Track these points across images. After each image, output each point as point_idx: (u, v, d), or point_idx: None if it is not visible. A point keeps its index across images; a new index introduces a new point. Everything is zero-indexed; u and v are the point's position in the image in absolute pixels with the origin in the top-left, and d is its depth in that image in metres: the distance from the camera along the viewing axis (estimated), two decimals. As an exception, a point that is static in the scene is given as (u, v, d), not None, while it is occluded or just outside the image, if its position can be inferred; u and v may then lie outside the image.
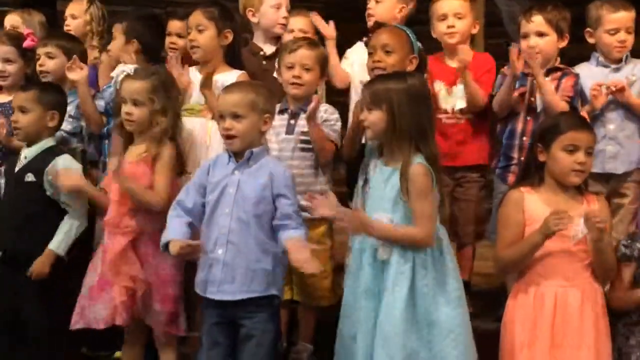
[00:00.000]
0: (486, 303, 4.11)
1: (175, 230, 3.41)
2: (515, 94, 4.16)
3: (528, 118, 4.14)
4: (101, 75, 4.53)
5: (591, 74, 4.19)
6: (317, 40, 4.12)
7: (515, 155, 4.15)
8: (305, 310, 4.00)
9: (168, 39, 4.64)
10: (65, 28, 4.88)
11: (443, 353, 3.23)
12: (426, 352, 3.23)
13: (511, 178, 4.11)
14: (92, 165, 4.38)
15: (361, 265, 3.35)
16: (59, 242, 3.86)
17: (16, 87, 4.32)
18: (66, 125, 4.23)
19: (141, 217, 3.65)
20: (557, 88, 4.09)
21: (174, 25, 4.68)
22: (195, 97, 4.06)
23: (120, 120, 3.77)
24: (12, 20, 4.88)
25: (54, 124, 4.00)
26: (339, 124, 3.92)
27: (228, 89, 3.55)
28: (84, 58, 4.38)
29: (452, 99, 4.22)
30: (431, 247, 3.28)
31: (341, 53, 4.49)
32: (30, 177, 3.91)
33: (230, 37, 4.11)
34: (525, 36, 4.16)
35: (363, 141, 3.88)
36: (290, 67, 3.88)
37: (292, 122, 3.90)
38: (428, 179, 3.27)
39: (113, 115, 4.13)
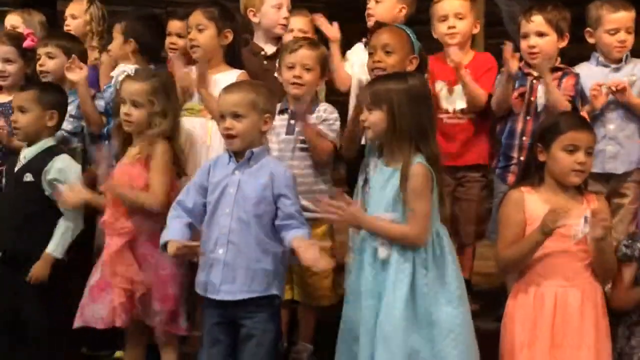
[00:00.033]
0: (486, 303, 4.10)
1: (174, 231, 3.41)
2: (515, 94, 4.16)
3: (528, 118, 4.14)
4: (102, 75, 4.53)
5: (591, 74, 4.19)
6: (317, 40, 4.11)
7: (515, 155, 4.15)
8: (306, 310, 4.00)
9: (168, 39, 4.65)
10: (65, 28, 4.88)
11: (443, 352, 3.23)
12: (427, 351, 3.23)
13: (511, 178, 4.11)
14: (92, 164, 4.39)
15: (362, 266, 3.35)
16: (56, 245, 3.85)
17: (16, 87, 4.31)
18: (67, 125, 4.23)
19: (138, 217, 3.64)
20: (557, 88, 4.08)
21: (174, 25, 4.68)
22: (196, 96, 4.06)
23: (118, 120, 3.78)
24: (12, 20, 4.88)
25: (53, 124, 4.00)
26: (338, 123, 3.92)
27: (228, 88, 3.54)
28: (84, 58, 4.38)
29: (453, 99, 4.22)
30: (424, 247, 3.28)
31: (342, 53, 4.48)
32: (29, 177, 3.91)
33: (230, 37, 4.11)
34: (525, 36, 4.16)
35: (363, 141, 3.88)
36: (291, 67, 3.88)
37: (292, 122, 3.90)
38: (427, 179, 3.27)
39: (113, 115, 4.12)
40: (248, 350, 3.40)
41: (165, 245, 3.40)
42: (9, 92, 4.44)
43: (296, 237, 3.32)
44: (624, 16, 4.18)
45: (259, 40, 4.48)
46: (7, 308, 3.90)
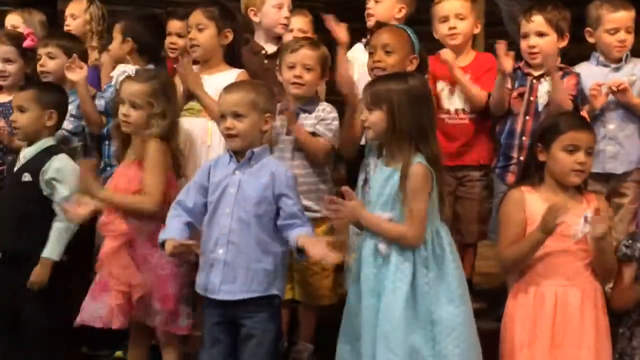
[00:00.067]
0: (486, 302, 4.10)
1: (172, 230, 3.41)
2: (515, 93, 4.16)
3: (527, 118, 4.14)
4: (103, 75, 4.53)
5: (591, 74, 4.19)
6: (318, 40, 4.11)
7: (515, 155, 4.15)
8: (306, 309, 4.00)
9: (168, 39, 4.65)
10: (66, 28, 4.87)
11: (445, 351, 3.23)
12: (429, 349, 3.23)
13: (510, 178, 4.11)
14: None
15: (362, 265, 3.35)
16: (52, 248, 3.84)
17: (16, 87, 4.32)
18: (67, 125, 4.23)
19: (134, 219, 3.63)
20: (557, 88, 4.10)
21: (174, 25, 4.69)
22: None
23: (117, 121, 3.78)
24: (13, 19, 4.87)
25: (52, 123, 3.99)
26: (336, 122, 3.91)
27: (229, 88, 3.55)
28: (84, 58, 4.37)
29: (454, 99, 4.23)
30: (420, 246, 3.28)
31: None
32: (27, 177, 3.91)
33: (230, 36, 4.11)
34: (525, 36, 4.17)
35: (363, 142, 3.88)
36: (292, 67, 3.88)
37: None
38: (426, 179, 3.27)
39: (112, 115, 4.13)
40: (248, 350, 3.41)
41: (164, 244, 3.40)
42: (9, 92, 4.44)
43: (301, 234, 3.32)
44: (624, 16, 4.18)
45: (259, 39, 4.48)
46: (7, 308, 3.90)
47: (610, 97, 4.12)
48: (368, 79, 3.79)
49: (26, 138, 4.00)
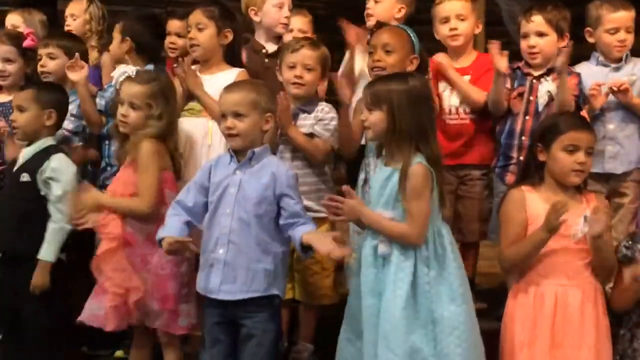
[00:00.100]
0: (487, 302, 4.10)
1: (171, 228, 3.42)
2: (515, 93, 4.17)
3: (527, 118, 4.14)
4: (104, 74, 4.53)
5: (591, 74, 4.20)
6: (318, 40, 4.11)
7: (515, 154, 4.15)
8: (306, 309, 3.99)
9: (168, 39, 4.65)
10: (66, 28, 4.87)
11: (447, 350, 3.23)
12: (430, 348, 3.22)
13: (509, 177, 4.12)
14: (92, 164, 4.39)
15: (363, 265, 3.35)
16: (47, 249, 3.82)
17: (16, 87, 4.30)
18: (68, 124, 4.23)
19: (131, 222, 3.64)
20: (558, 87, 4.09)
21: (174, 24, 4.69)
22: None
23: (115, 121, 3.78)
24: (13, 19, 4.87)
25: (52, 123, 3.98)
26: (334, 122, 3.90)
27: (230, 88, 3.55)
28: (85, 58, 4.36)
29: (456, 99, 4.24)
30: (422, 246, 3.28)
31: (341, 52, 4.48)
32: (25, 177, 3.90)
33: (230, 36, 4.11)
34: (525, 36, 4.17)
35: (363, 141, 3.88)
36: (292, 67, 3.88)
37: (292, 122, 3.89)
38: (426, 179, 3.27)
39: (112, 115, 4.12)
40: (248, 350, 3.40)
41: (161, 242, 3.40)
42: (9, 92, 4.43)
43: (306, 232, 3.33)
44: (624, 15, 4.18)
45: (259, 39, 4.48)
46: (7, 308, 3.90)
47: (610, 97, 4.13)
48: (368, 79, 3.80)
49: (25, 137, 3.99)
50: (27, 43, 4.52)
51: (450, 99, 4.24)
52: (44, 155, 3.91)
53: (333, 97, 4.29)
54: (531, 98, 4.15)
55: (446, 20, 4.27)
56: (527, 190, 3.46)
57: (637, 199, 4.21)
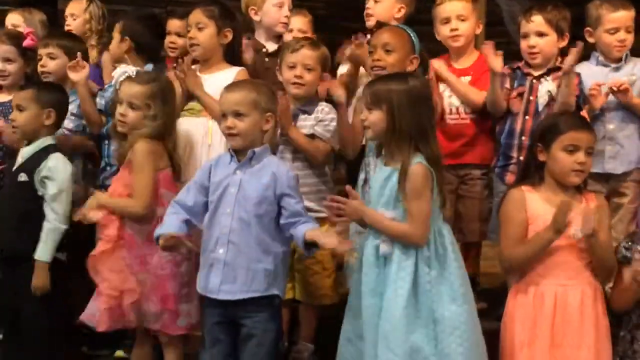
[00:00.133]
0: (487, 302, 4.10)
1: (169, 226, 3.42)
2: (514, 93, 4.17)
3: (527, 117, 4.14)
4: (105, 74, 4.53)
5: (591, 73, 4.20)
6: (318, 40, 4.11)
7: (514, 154, 4.15)
8: (307, 309, 3.99)
9: (168, 38, 4.65)
10: (66, 27, 4.87)
11: (448, 350, 3.23)
12: (431, 348, 3.22)
13: (509, 177, 4.12)
14: (92, 164, 4.39)
15: (364, 264, 3.35)
16: (42, 250, 3.82)
17: (16, 87, 4.30)
18: (68, 124, 4.24)
19: (130, 223, 3.64)
20: (559, 87, 4.09)
21: (174, 24, 4.69)
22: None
23: (115, 121, 3.78)
24: (13, 19, 4.87)
25: (51, 122, 3.97)
26: (334, 123, 3.91)
27: (230, 87, 3.55)
28: (85, 57, 4.36)
29: (456, 99, 4.24)
30: (424, 246, 3.28)
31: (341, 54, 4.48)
32: (23, 177, 3.90)
33: (230, 36, 4.11)
34: (525, 36, 4.17)
35: (363, 142, 3.88)
36: (292, 67, 3.89)
37: (292, 122, 3.90)
38: (426, 179, 3.27)
39: (111, 115, 4.12)
40: (248, 350, 3.41)
41: (159, 240, 3.40)
42: (9, 92, 4.43)
43: (309, 229, 3.33)
44: (624, 15, 4.18)
45: (259, 38, 4.48)
46: (7, 308, 3.90)
47: (610, 97, 4.13)
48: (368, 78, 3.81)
49: (25, 137, 3.99)
50: (27, 43, 4.52)
51: (450, 99, 4.24)
52: (43, 154, 3.91)
53: (333, 97, 4.29)
54: (531, 98, 4.15)
55: (447, 20, 4.27)
56: (527, 190, 3.46)
57: (637, 199, 4.21)
